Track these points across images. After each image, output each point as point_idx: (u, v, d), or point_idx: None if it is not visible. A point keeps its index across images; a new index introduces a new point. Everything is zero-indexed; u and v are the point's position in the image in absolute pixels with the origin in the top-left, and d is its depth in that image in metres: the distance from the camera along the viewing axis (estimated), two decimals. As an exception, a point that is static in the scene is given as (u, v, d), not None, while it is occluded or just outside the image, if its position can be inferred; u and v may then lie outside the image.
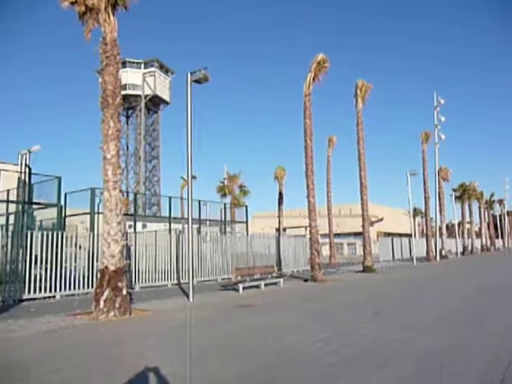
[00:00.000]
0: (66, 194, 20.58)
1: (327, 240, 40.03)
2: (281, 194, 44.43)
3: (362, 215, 27.01)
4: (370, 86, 28.28)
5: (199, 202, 25.74)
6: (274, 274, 19.33)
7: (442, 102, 46.25)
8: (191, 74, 14.34)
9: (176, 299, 14.22)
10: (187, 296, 13.97)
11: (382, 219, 62.53)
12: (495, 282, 18.72)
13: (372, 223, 53.76)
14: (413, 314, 10.60)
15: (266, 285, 17.54)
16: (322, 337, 7.87)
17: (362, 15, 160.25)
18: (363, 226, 26.83)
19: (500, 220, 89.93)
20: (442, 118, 46.07)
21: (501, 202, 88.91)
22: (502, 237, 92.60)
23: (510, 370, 5.45)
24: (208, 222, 27.54)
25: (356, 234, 38.28)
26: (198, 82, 14.44)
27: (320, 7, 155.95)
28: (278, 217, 44.15)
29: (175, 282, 19.67)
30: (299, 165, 39.91)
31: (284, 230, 45.65)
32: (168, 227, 24.14)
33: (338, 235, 51.12)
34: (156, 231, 22.62)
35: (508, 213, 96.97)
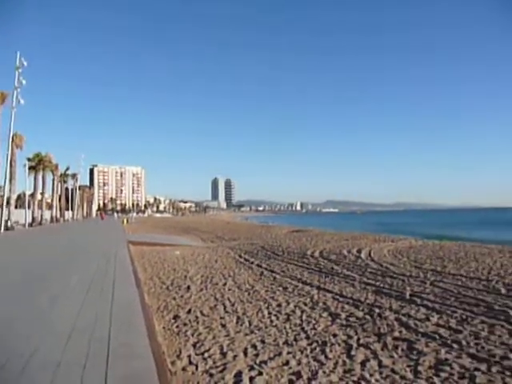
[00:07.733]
0: None
1: None
2: None
3: None
4: None
5: None
6: None
7: (25, 63, 43.15)
8: None
9: None
10: None
11: None
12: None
13: None
14: None
15: None
16: None
17: None
18: None
19: (72, 193, 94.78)
20: (23, 81, 43.02)
21: (74, 176, 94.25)
22: (73, 209, 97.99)
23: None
24: None
25: None
26: None
27: None
28: None
29: None
30: None
31: None
32: None
33: None
34: None
35: (80, 187, 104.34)
